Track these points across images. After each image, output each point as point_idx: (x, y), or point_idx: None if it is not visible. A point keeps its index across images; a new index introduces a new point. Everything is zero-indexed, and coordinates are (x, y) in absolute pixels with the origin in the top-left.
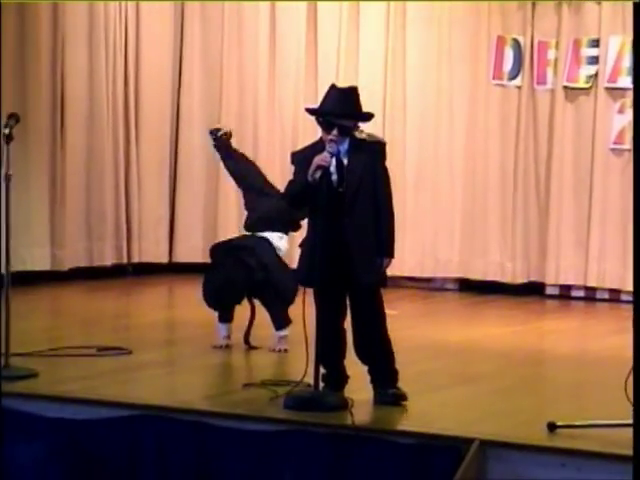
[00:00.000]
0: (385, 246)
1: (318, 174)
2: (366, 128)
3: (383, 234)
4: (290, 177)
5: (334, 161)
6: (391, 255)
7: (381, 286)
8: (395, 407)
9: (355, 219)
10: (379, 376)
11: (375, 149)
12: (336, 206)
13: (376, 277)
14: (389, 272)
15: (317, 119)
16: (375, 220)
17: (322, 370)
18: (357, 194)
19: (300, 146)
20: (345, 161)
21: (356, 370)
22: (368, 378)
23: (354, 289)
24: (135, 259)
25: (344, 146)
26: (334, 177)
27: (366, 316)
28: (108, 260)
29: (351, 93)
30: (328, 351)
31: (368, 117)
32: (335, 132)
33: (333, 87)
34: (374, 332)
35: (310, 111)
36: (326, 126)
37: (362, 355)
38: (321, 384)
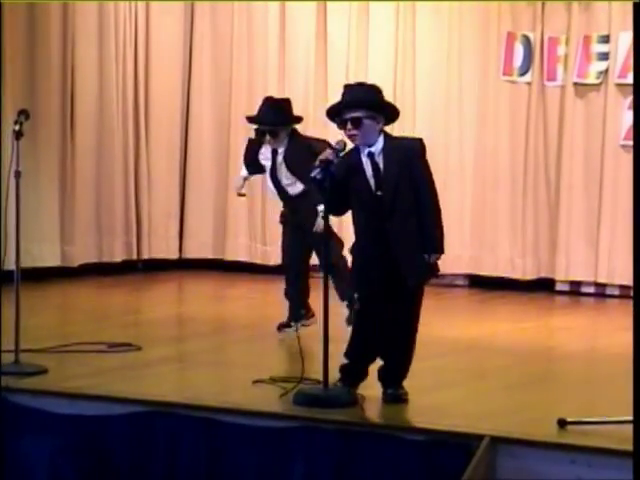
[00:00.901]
0: (432, 243)
1: (317, 171)
2: None
3: (429, 231)
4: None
5: (369, 165)
6: (440, 251)
7: (432, 277)
8: (405, 404)
9: (396, 222)
10: (385, 374)
11: (411, 147)
12: (376, 210)
13: (421, 278)
14: None
15: (334, 120)
16: (419, 218)
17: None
18: (396, 196)
19: None
20: (381, 165)
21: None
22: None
23: (397, 290)
24: (145, 255)
25: (377, 147)
26: (372, 181)
27: (402, 317)
28: (118, 256)
29: (363, 86)
30: (365, 351)
31: (388, 109)
32: (349, 126)
33: (345, 85)
34: (404, 333)
35: (327, 113)
36: (342, 125)
37: (385, 354)
38: (337, 376)
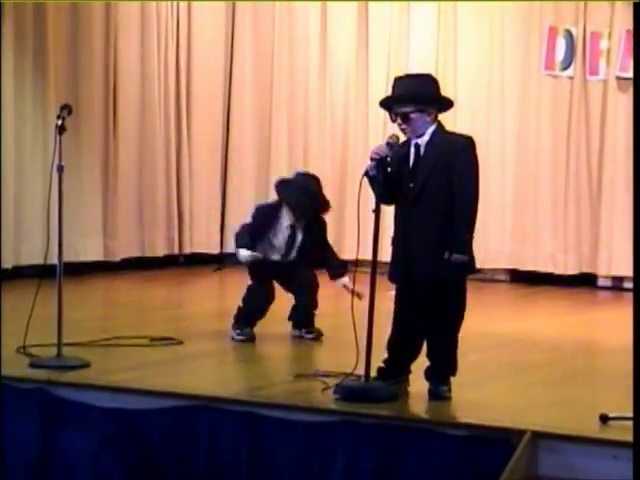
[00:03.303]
0: (457, 243)
1: (372, 167)
2: None
3: (458, 230)
4: (340, 170)
5: (413, 156)
6: (462, 253)
7: (463, 276)
8: (447, 401)
9: (418, 215)
10: (432, 373)
11: (457, 142)
12: (406, 201)
13: (435, 277)
14: None
15: (388, 112)
16: (451, 215)
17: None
18: (423, 189)
19: (350, 142)
20: (422, 154)
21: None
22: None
23: (417, 286)
24: (187, 250)
25: (424, 139)
26: (411, 172)
27: (437, 315)
28: (160, 251)
29: (415, 78)
30: (396, 342)
31: (439, 101)
32: (399, 120)
33: (397, 78)
34: (439, 330)
35: (380, 104)
36: (391, 116)
37: (429, 354)
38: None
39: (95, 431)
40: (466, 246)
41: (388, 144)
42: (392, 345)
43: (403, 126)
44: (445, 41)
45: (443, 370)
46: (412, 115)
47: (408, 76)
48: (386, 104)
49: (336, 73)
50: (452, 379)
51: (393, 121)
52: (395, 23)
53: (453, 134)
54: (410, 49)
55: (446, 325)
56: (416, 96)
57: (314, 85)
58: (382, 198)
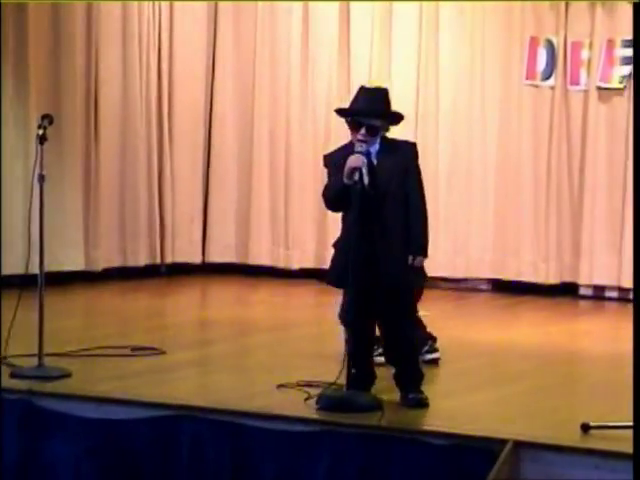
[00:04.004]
0: (415, 244)
1: (356, 176)
2: (398, 128)
3: (414, 232)
4: (323, 178)
5: (365, 164)
6: (422, 254)
7: (416, 286)
8: (428, 407)
9: (383, 221)
10: (401, 379)
11: (406, 149)
12: (367, 208)
13: (403, 280)
14: None
15: (346, 119)
16: (406, 221)
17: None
18: (386, 196)
19: (332, 147)
20: (375, 163)
21: (387, 371)
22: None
23: (382, 290)
24: (169, 259)
25: (375, 147)
26: (366, 180)
27: (392, 318)
28: (142, 260)
29: (381, 93)
30: (358, 351)
31: (397, 117)
32: (363, 131)
33: (362, 88)
34: (399, 334)
35: (339, 111)
36: (354, 126)
37: (388, 357)
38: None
39: (77, 441)
40: (426, 247)
41: (360, 153)
42: (357, 354)
43: (366, 137)
44: (427, 51)
45: (413, 376)
46: (380, 130)
47: (376, 90)
48: (346, 112)
49: (318, 80)
50: (432, 388)
51: (352, 129)
52: (377, 33)
53: (398, 141)
54: (392, 59)
55: (407, 329)
56: (385, 111)
57: (296, 92)
58: (335, 202)
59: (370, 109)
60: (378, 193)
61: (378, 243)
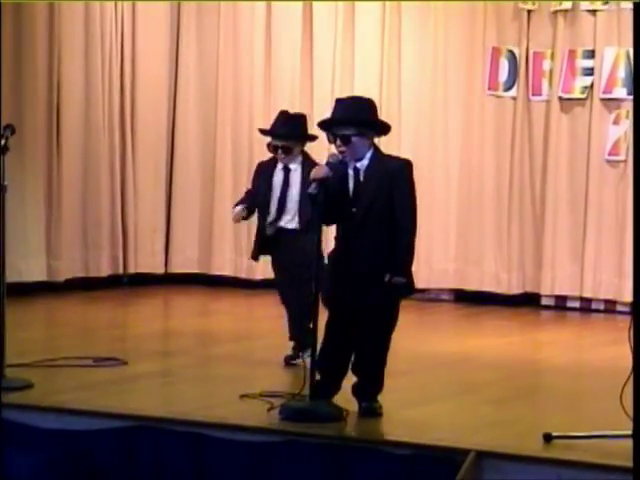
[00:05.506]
0: (400, 266)
1: (313, 187)
2: None
3: (400, 254)
4: None
5: (353, 180)
6: (405, 276)
7: (403, 297)
8: (390, 417)
9: (365, 239)
10: (357, 389)
11: (394, 167)
12: (350, 225)
13: (381, 299)
14: None
15: (326, 133)
16: (390, 240)
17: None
18: (368, 214)
19: None
20: (362, 180)
21: (350, 380)
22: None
23: (361, 307)
24: (131, 270)
25: (364, 163)
26: (351, 196)
27: (368, 335)
28: (104, 271)
29: (352, 103)
30: (332, 363)
31: (368, 124)
32: (338, 142)
33: (341, 99)
34: (369, 349)
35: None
36: (330, 138)
37: (354, 368)
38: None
39: (40, 453)
40: (407, 269)
41: (328, 164)
42: (323, 364)
43: (342, 148)
44: (389, 60)
45: (373, 388)
46: (354, 138)
47: (349, 99)
48: (325, 125)
49: (280, 89)
50: (394, 398)
51: (331, 142)
52: (339, 38)
53: (390, 157)
54: (355, 69)
55: (379, 344)
56: (357, 119)
57: (259, 101)
58: (322, 218)
59: (338, 117)
60: (358, 211)
61: (359, 262)
